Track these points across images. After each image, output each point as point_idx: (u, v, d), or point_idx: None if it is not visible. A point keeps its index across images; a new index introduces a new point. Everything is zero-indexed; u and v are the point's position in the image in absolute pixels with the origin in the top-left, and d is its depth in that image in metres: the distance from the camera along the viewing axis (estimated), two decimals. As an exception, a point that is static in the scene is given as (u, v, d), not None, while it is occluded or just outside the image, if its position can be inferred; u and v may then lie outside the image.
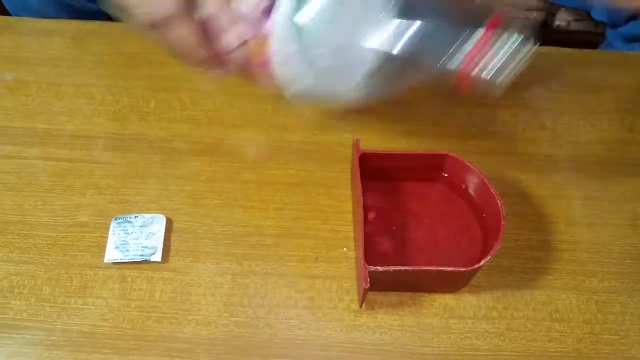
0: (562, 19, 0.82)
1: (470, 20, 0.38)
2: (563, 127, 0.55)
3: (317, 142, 0.54)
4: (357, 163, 0.46)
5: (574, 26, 0.83)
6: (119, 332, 0.43)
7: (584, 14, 0.83)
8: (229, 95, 0.56)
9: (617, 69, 0.60)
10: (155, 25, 0.38)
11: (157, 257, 0.46)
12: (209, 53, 0.39)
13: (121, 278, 0.45)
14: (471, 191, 0.47)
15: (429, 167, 0.48)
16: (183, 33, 0.38)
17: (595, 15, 0.76)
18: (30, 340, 0.43)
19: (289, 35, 0.37)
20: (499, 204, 0.44)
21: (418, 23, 0.36)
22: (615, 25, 0.76)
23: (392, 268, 0.41)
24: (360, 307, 0.44)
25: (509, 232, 0.48)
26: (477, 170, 0.46)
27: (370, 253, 0.42)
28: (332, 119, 0.55)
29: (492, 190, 0.44)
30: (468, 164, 0.46)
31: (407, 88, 0.44)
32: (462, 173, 0.47)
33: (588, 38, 0.81)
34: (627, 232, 0.49)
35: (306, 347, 0.43)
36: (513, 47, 0.37)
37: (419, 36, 0.36)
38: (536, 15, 0.81)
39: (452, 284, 0.44)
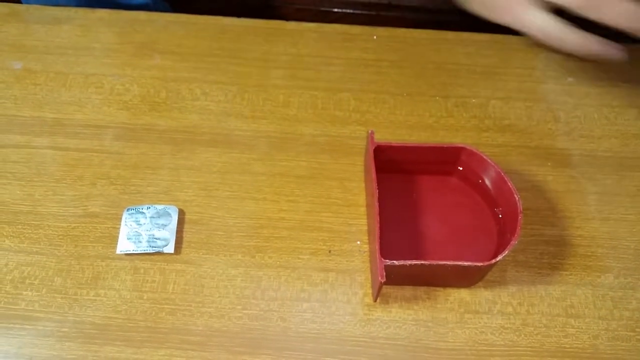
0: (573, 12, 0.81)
1: None
2: (577, 121, 0.55)
3: (329, 134, 0.53)
4: (372, 155, 0.45)
5: (586, 19, 0.82)
6: (131, 324, 0.43)
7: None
8: (240, 85, 0.56)
9: (631, 62, 0.59)
10: None
11: (169, 248, 0.45)
12: None
13: (133, 269, 0.45)
14: (487, 185, 0.47)
15: (444, 160, 0.48)
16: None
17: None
18: (42, 331, 0.42)
19: None
20: (516, 198, 0.43)
21: None
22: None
23: (408, 262, 0.40)
24: (375, 301, 0.44)
25: (524, 226, 0.47)
26: (493, 164, 0.45)
27: (385, 247, 0.42)
28: (344, 111, 0.54)
29: (509, 184, 0.44)
30: (485, 157, 0.46)
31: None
32: (477, 166, 0.47)
33: (600, 32, 0.80)
34: (642, 228, 0.49)
35: (320, 341, 0.43)
36: None
37: None
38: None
39: (467, 278, 0.44)
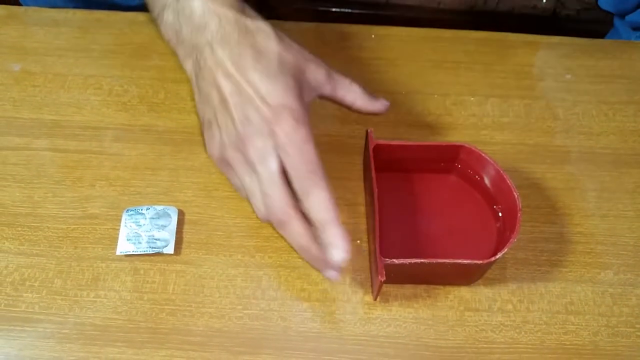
0: (571, 8, 0.82)
1: None
2: (576, 118, 0.55)
3: (327, 133, 0.53)
4: (371, 154, 0.45)
5: (583, 15, 0.82)
6: (132, 325, 0.43)
7: (593, 2, 0.82)
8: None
9: (629, 58, 0.60)
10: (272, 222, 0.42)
11: (169, 249, 0.45)
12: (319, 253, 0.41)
13: (133, 270, 0.45)
14: (486, 183, 0.47)
15: (443, 158, 0.48)
16: (296, 230, 0.41)
17: (602, 4, 0.75)
18: (43, 333, 0.42)
19: None
20: (515, 196, 0.43)
21: None
22: (622, 14, 0.75)
23: (408, 261, 0.41)
24: (375, 299, 0.44)
25: (523, 224, 0.47)
26: (492, 162, 0.45)
27: (384, 245, 0.42)
28: (343, 110, 0.54)
29: (508, 182, 0.44)
30: (483, 155, 0.46)
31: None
32: (476, 164, 0.47)
33: (597, 27, 0.80)
34: (642, 224, 0.49)
35: (320, 340, 0.43)
36: None
37: None
38: (545, 4, 0.81)
39: (467, 276, 0.44)
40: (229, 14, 0.43)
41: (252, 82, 0.41)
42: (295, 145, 0.40)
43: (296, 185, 0.41)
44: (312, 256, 0.42)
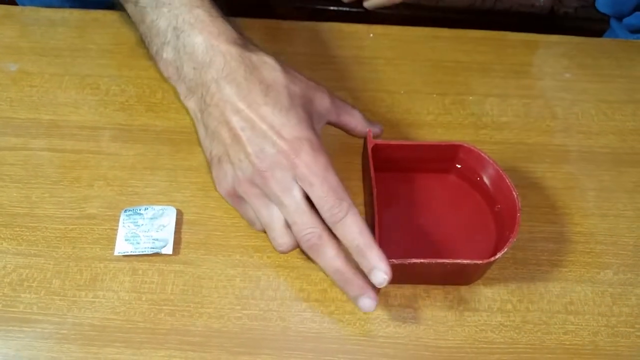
0: (569, 6, 0.82)
1: None
2: (575, 117, 0.55)
3: (326, 133, 0.53)
4: (370, 154, 0.45)
5: (581, 13, 0.82)
6: (130, 326, 0.43)
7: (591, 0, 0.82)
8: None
9: (628, 57, 0.60)
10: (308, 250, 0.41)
11: (168, 249, 0.45)
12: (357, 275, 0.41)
13: (132, 271, 0.45)
14: (485, 182, 0.47)
15: (442, 158, 0.48)
16: (331, 253, 0.41)
17: (599, 6, 0.75)
18: (41, 333, 0.42)
19: None
20: (515, 195, 0.43)
21: None
22: (619, 17, 0.75)
23: (407, 261, 0.40)
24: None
25: (522, 223, 0.47)
26: (491, 161, 0.45)
27: (383, 245, 0.41)
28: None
29: (507, 181, 0.44)
30: (482, 154, 0.46)
31: None
32: (475, 164, 0.47)
33: (595, 25, 0.80)
34: (641, 224, 0.49)
35: (319, 340, 0.43)
36: None
37: None
38: (543, 2, 0.81)
39: (467, 276, 0.44)
40: (233, 50, 0.42)
41: (264, 116, 0.41)
42: (317, 174, 0.40)
43: (326, 214, 0.40)
44: (347, 279, 0.41)
